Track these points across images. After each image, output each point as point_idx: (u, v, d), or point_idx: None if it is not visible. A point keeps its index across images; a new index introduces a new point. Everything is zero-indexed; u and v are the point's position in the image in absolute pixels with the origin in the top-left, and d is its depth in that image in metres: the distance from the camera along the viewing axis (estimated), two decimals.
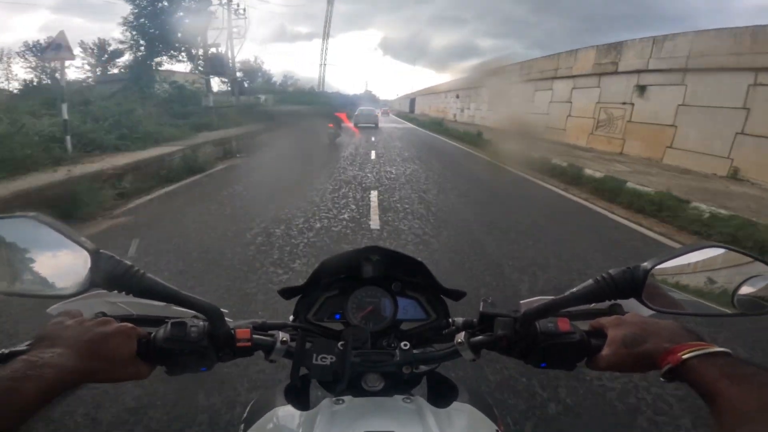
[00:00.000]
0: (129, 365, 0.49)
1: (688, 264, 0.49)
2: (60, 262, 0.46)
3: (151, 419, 1.72)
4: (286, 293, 0.69)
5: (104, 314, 0.56)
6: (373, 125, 21.91)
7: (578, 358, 0.54)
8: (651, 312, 0.55)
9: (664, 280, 0.50)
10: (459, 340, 0.59)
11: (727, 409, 0.38)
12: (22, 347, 0.47)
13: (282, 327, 0.63)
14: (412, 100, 54.91)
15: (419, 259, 0.68)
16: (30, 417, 0.38)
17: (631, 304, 0.65)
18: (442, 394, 0.66)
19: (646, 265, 0.49)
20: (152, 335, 0.52)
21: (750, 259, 0.49)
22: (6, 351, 0.49)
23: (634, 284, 0.49)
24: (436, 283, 0.69)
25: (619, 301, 0.65)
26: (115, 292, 0.49)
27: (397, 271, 0.70)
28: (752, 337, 2.42)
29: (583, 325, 0.57)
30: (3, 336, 2.27)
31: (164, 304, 0.62)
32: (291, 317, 0.70)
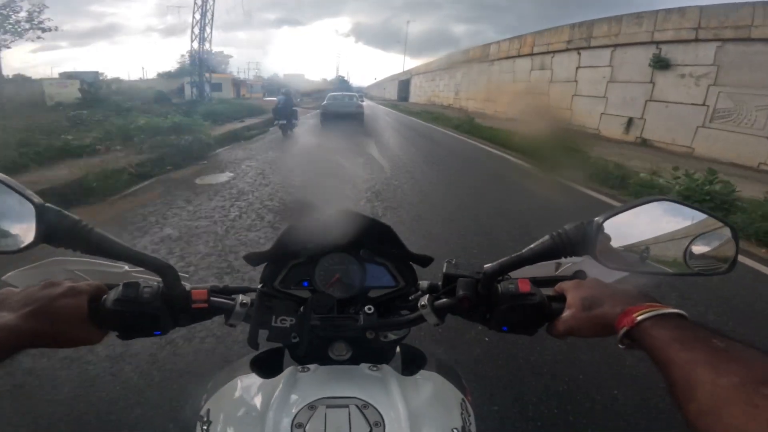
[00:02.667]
0: (77, 329, 0.47)
1: (641, 218, 0.49)
2: (4, 216, 0.45)
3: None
4: (252, 259, 0.68)
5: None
6: (354, 119, 13.36)
7: (539, 322, 0.55)
8: (611, 275, 0.56)
9: (618, 235, 0.50)
10: (422, 304, 0.59)
11: (677, 377, 0.36)
12: None
13: (244, 291, 0.62)
14: (403, 83, 40.89)
15: (388, 224, 0.68)
16: None
17: (593, 270, 0.66)
18: (412, 364, 0.66)
19: (598, 219, 0.49)
20: (103, 298, 0.51)
21: (701, 214, 0.49)
22: None
23: (587, 239, 0.49)
24: (405, 249, 0.69)
25: (581, 268, 0.66)
26: (70, 255, 0.47)
27: (365, 236, 0.70)
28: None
29: (548, 291, 0.57)
30: None
31: (123, 271, 0.61)
32: (259, 285, 0.70)
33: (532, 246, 0.53)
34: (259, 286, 0.69)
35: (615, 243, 0.50)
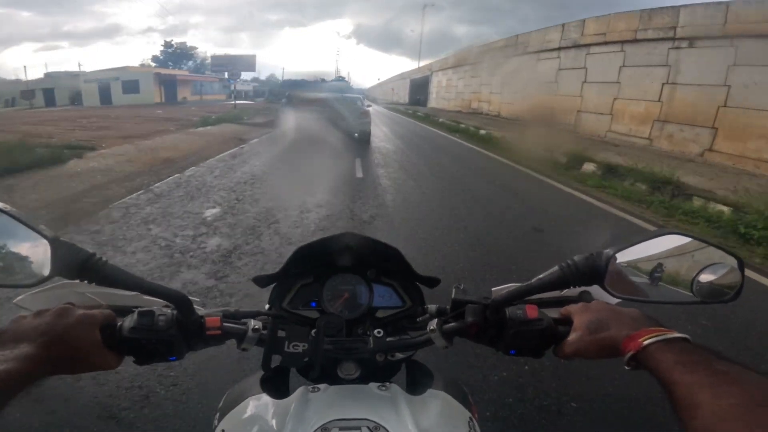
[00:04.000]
0: (94, 355, 0.48)
1: (651, 251, 0.50)
2: (20, 251, 0.46)
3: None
4: (261, 281, 0.68)
5: (73, 305, 0.56)
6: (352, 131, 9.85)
7: (546, 345, 0.55)
8: (616, 300, 0.57)
9: (628, 267, 0.51)
10: (431, 328, 0.59)
11: (681, 398, 0.38)
12: None
13: (254, 315, 0.63)
14: (418, 82, 32.50)
15: (394, 245, 0.68)
16: None
17: (599, 292, 0.67)
18: (418, 382, 0.67)
19: (608, 251, 0.50)
20: (119, 325, 0.52)
21: (709, 247, 0.50)
22: None
23: (597, 270, 0.50)
24: (411, 270, 0.70)
25: (587, 289, 0.67)
26: (78, 281, 0.48)
27: (372, 257, 0.71)
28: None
29: (554, 313, 0.58)
30: None
31: (134, 293, 0.62)
32: (267, 306, 0.70)
33: (541, 276, 0.53)
34: (267, 307, 0.70)
35: (623, 273, 0.51)
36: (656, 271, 0.51)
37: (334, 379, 0.62)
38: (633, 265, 0.51)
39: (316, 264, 0.71)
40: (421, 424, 0.54)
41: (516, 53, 16.15)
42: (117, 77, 27.08)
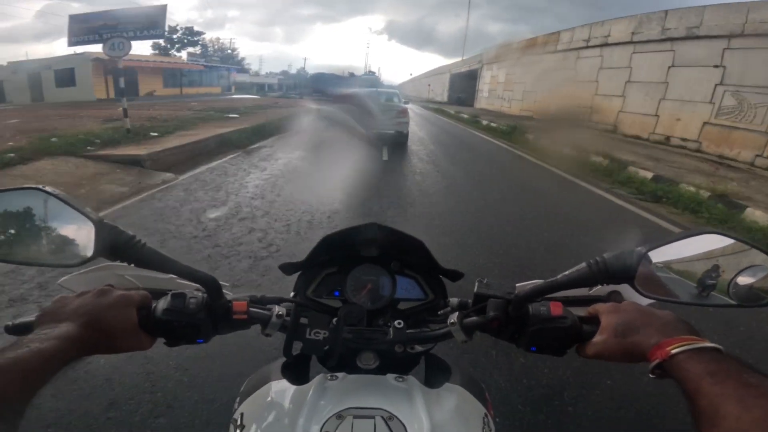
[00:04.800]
0: (130, 336, 0.50)
1: (685, 250, 0.48)
2: (66, 233, 0.48)
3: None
4: (287, 268, 0.70)
5: (112, 287, 0.59)
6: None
7: (569, 343, 0.54)
8: (648, 300, 0.55)
9: (661, 266, 0.49)
10: (452, 321, 0.59)
11: (705, 409, 0.36)
12: (30, 318, 0.50)
13: (279, 301, 0.64)
14: (461, 78, 27.31)
15: (419, 238, 0.68)
16: (36, 390, 0.39)
17: (629, 292, 0.65)
18: (436, 375, 0.67)
19: (640, 249, 0.48)
20: (153, 306, 0.54)
21: (749, 248, 0.48)
22: (12, 323, 0.52)
23: (627, 269, 0.48)
24: (435, 263, 0.70)
25: (617, 289, 0.65)
26: (118, 262, 0.50)
27: (396, 249, 0.71)
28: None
29: (581, 312, 0.56)
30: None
31: (169, 277, 0.65)
32: (292, 293, 0.72)
33: (567, 272, 0.52)
34: (292, 294, 0.71)
35: (656, 273, 0.49)
36: (691, 271, 0.49)
37: (352, 369, 0.63)
38: (666, 264, 0.49)
39: (341, 253, 0.71)
40: (435, 417, 0.54)
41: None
42: (49, 66, 20.47)
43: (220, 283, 0.57)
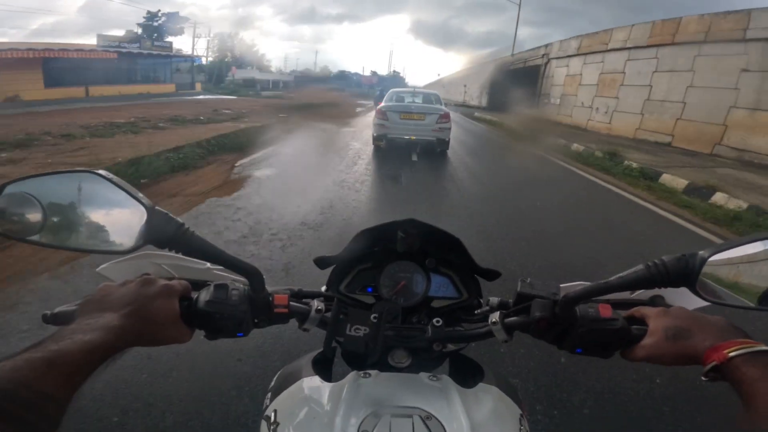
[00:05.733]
0: (171, 328, 0.49)
1: (746, 254, 0.47)
2: (116, 219, 0.47)
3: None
4: (321, 263, 0.69)
5: (149, 275, 0.58)
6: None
7: (616, 346, 0.54)
8: (699, 305, 0.53)
9: (722, 270, 0.48)
10: (493, 320, 0.58)
11: (761, 407, 0.37)
12: (71, 307, 0.50)
13: (317, 296, 0.64)
14: (512, 75, 20.36)
15: (457, 236, 0.67)
16: (79, 384, 0.38)
17: (673, 297, 0.63)
18: (466, 375, 0.66)
19: (703, 253, 0.47)
20: (195, 297, 0.53)
21: None
22: (51, 312, 0.51)
23: (689, 273, 0.47)
24: (472, 262, 0.69)
25: (661, 294, 0.64)
26: (166, 251, 0.49)
27: (432, 246, 0.70)
28: None
29: (623, 314, 0.55)
30: None
31: (205, 267, 0.64)
32: (324, 287, 0.71)
33: (622, 274, 0.51)
34: (323, 289, 0.71)
35: (716, 277, 0.48)
36: (750, 277, 0.48)
37: (383, 366, 0.63)
38: (727, 269, 0.47)
39: (376, 249, 0.71)
40: (473, 417, 0.53)
41: None
42: None
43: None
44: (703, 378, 0.45)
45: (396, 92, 9.07)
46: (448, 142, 8.20)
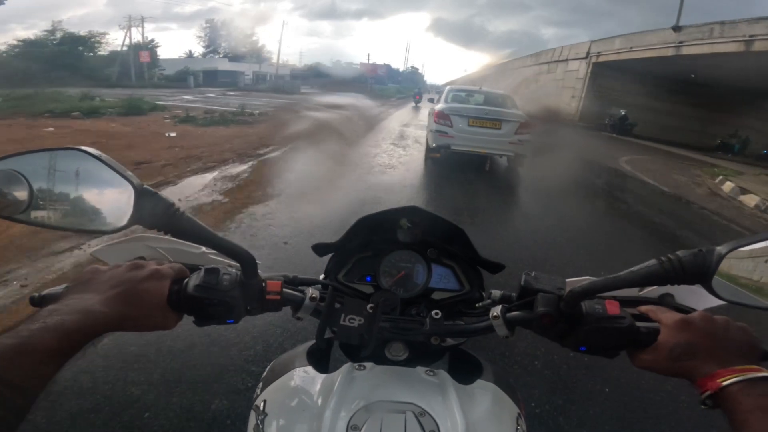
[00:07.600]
0: (157, 313, 0.47)
1: (764, 252, 0.44)
2: (104, 198, 0.46)
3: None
4: (320, 249, 0.68)
5: (143, 259, 0.56)
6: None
7: (622, 346, 0.51)
8: (712, 303, 0.51)
9: (739, 267, 0.45)
10: (494, 314, 0.56)
11: None
12: (58, 289, 0.48)
13: (312, 283, 0.62)
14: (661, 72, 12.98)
15: (460, 226, 0.65)
16: (53, 371, 0.36)
17: (683, 295, 0.60)
18: (465, 371, 0.64)
19: (720, 249, 0.44)
20: (184, 282, 0.51)
21: None
22: (39, 294, 0.50)
23: (706, 269, 0.44)
24: (475, 253, 0.67)
25: (672, 291, 0.61)
26: (155, 233, 0.48)
27: (434, 236, 0.68)
28: None
29: (632, 312, 0.53)
30: None
31: (201, 252, 0.63)
32: (322, 276, 0.70)
33: (633, 269, 0.48)
34: (322, 277, 0.69)
35: (733, 275, 0.45)
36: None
37: (379, 359, 0.61)
38: (744, 266, 0.45)
39: (376, 237, 0.69)
40: (468, 415, 0.52)
41: None
42: None
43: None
44: (702, 406, 0.43)
45: (455, 90, 7.41)
46: (523, 159, 6.56)
